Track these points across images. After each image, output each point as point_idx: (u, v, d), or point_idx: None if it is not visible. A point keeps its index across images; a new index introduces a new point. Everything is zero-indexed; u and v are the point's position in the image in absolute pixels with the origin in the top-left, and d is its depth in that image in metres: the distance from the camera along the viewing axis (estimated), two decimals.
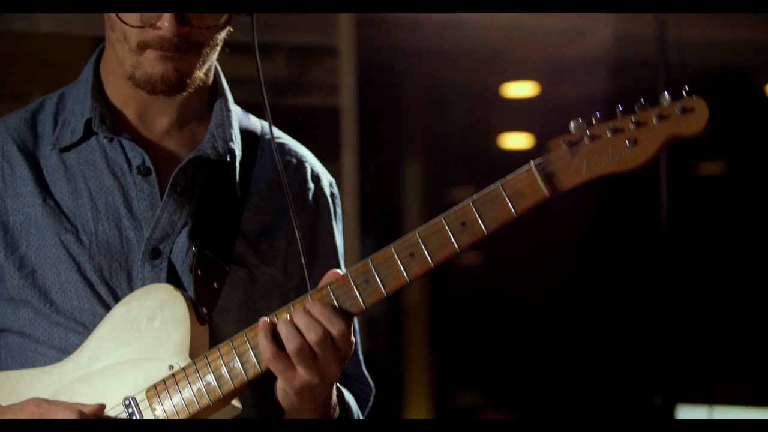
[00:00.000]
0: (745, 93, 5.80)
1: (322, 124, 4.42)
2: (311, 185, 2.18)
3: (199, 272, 1.98)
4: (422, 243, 1.83)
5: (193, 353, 1.92)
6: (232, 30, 2.03)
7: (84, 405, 1.86)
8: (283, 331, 1.83)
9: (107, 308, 1.97)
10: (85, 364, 1.95)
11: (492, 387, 5.96)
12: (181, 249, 2.00)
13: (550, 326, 5.75)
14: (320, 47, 4.47)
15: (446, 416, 5.72)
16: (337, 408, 2.01)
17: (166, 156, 2.06)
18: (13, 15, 3.89)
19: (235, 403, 1.93)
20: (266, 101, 2.03)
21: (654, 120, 1.77)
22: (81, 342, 1.96)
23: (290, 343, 1.82)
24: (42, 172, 2.04)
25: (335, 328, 1.83)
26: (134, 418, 1.90)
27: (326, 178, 2.22)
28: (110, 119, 2.04)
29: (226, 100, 2.12)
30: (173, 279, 2.00)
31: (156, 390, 1.91)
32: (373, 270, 1.84)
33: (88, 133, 2.04)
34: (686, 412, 4.87)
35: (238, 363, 1.88)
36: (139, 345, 1.94)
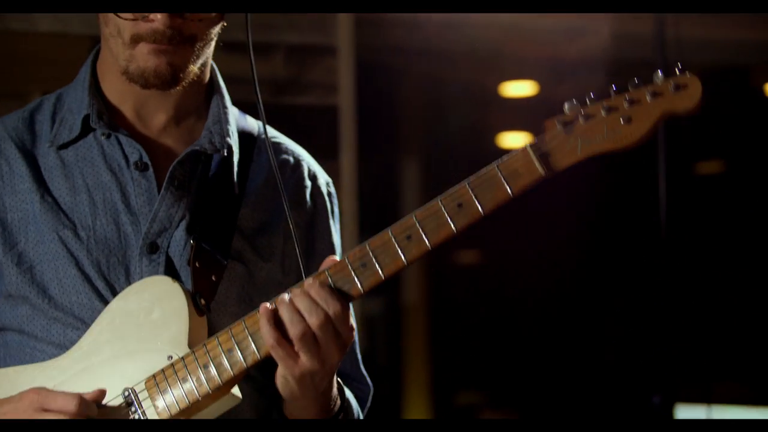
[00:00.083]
0: (744, 92, 5.81)
1: (321, 124, 4.42)
2: (308, 183, 2.19)
3: (197, 264, 1.99)
4: (419, 225, 1.84)
5: (192, 344, 1.93)
6: (225, 24, 2.04)
7: (84, 393, 1.87)
8: (286, 315, 1.83)
9: (105, 303, 1.98)
10: (84, 357, 1.96)
11: (491, 386, 5.96)
12: (178, 243, 2.01)
13: (549, 325, 5.75)
14: (319, 47, 4.47)
15: (445, 416, 5.72)
16: (338, 401, 2.01)
17: (163, 152, 2.07)
18: (11, 14, 3.88)
19: (235, 392, 1.93)
20: (260, 99, 2.04)
21: (648, 97, 1.80)
22: (79, 338, 1.97)
23: (294, 328, 1.83)
24: (40, 170, 2.06)
25: (331, 308, 1.83)
26: (133, 409, 1.91)
27: (323, 177, 2.23)
28: (107, 116, 2.06)
29: (222, 97, 2.13)
30: (171, 273, 2.01)
31: (155, 380, 1.91)
32: (371, 254, 1.85)
33: (86, 130, 2.06)
34: (685, 412, 4.87)
35: (237, 351, 1.89)
36: (138, 337, 1.95)
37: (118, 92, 2.08)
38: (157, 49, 1.96)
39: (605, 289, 5.80)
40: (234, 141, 2.11)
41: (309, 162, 2.22)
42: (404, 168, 5.68)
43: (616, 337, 5.79)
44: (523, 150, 1.83)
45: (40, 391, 1.87)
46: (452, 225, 1.84)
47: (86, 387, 1.91)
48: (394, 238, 1.85)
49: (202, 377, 1.90)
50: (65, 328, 1.99)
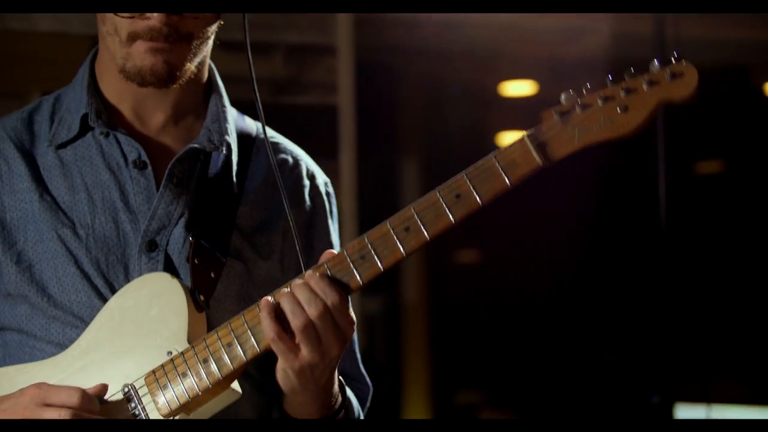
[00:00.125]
0: (744, 92, 5.81)
1: (321, 123, 4.42)
2: (306, 182, 2.19)
3: (196, 261, 1.99)
4: (417, 217, 1.85)
5: (192, 340, 1.93)
6: (222, 23, 2.05)
7: (87, 388, 1.88)
8: (287, 306, 1.84)
9: (104, 301, 1.98)
10: (83, 355, 1.96)
11: (491, 386, 5.96)
12: (177, 240, 2.02)
13: (548, 325, 5.75)
14: (318, 46, 4.47)
15: (445, 415, 5.72)
16: (339, 398, 2.01)
17: (161, 150, 2.08)
18: (11, 14, 3.88)
19: (235, 387, 1.94)
20: (258, 98, 2.04)
21: (644, 86, 1.81)
22: (78, 336, 1.98)
23: (296, 319, 1.83)
24: (38, 169, 2.07)
25: (329, 298, 1.84)
26: (133, 405, 1.91)
27: (321, 177, 2.24)
28: (106, 114, 2.06)
29: (221, 96, 2.14)
30: (170, 271, 2.02)
31: (155, 376, 1.92)
32: (370, 246, 1.86)
33: (84, 129, 2.07)
34: (685, 411, 4.87)
35: (236, 345, 1.89)
36: (137, 333, 1.95)
37: (116, 91, 2.09)
38: (153, 48, 1.96)
39: (605, 288, 5.80)
40: (233, 140, 2.12)
41: (307, 162, 2.23)
42: (404, 168, 5.69)
43: (616, 336, 5.79)
44: (521, 140, 1.84)
45: (42, 386, 1.87)
46: (450, 216, 1.85)
47: (86, 384, 1.91)
48: (393, 230, 1.86)
49: (202, 372, 1.90)
50: (64, 327, 2.00)
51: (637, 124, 1.81)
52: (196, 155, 2.08)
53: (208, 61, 2.13)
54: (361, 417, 2.17)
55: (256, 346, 1.89)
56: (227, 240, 2.05)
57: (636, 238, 5.43)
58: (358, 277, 1.87)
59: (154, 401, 1.91)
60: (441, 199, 1.85)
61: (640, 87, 1.81)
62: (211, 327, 1.97)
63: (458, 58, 5.57)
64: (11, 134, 2.10)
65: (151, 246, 2.02)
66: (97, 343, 1.96)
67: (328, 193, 2.24)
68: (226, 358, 1.90)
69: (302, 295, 1.84)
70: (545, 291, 5.68)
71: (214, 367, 1.90)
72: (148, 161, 2.05)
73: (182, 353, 1.92)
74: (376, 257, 1.86)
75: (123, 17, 1.96)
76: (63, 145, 2.07)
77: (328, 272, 1.87)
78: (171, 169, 2.04)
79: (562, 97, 1.84)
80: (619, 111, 1.81)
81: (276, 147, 2.19)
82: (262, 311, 1.86)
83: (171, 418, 1.91)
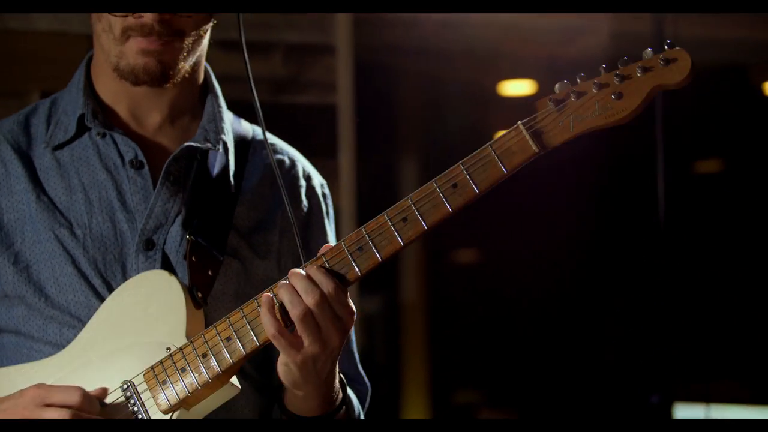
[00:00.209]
0: (743, 91, 5.80)
1: (320, 123, 4.42)
2: (303, 183, 2.21)
3: (193, 259, 2.00)
4: (414, 207, 1.86)
5: (190, 336, 1.94)
6: (215, 22, 2.05)
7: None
8: (286, 297, 1.85)
9: (102, 300, 1.99)
10: (82, 353, 1.96)
11: (490, 385, 5.96)
12: (174, 239, 2.03)
13: (547, 324, 5.74)
14: (317, 45, 4.47)
15: (443, 414, 5.72)
16: (340, 393, 2.01)
17: (158, 150, 2.09)
18: (10, 14, 3.88)
19: (234, 382, 1.94)
20: (255, 95, 2.05)
21: (638, 72, 1.83)
22: (76, 336, 1.98)
23: (295, 309, 1.84)
24: (35, 171, 2.08)
25: (326, 287, 1.85)
26: (132, 401, 1.91)
27: (317, 179, 2.25)
28: (102, 115, 2.07)
29: (217, 97, 2.16)
30: (167, 269, 2.04)
31: (154, 372, 1.92)
32: (367, 237, 1.87)
33: (81, 130, 2.08)
34: (683, 411, 4.87)
35: (236, 339, 1.90)
36: (136, 331, 1.96)
37: (112, 93, 2.10)
38: (146, 49, 1.98)
39: (604, 288, 5.80)
40: (229, 139, 2.13)
41: (304, 163, 2.25)
42: (403, 167, 5.69)
43: (615, 336, 5.79)
44: (516, 128, 1.85)
45: (42, 386, 1.88)
46: (447, 205, 1.86)
47: (85, 382, 1.91)
48: (390, 221, 1.87)
49: (201, 367, 1.90)
50: (61, 327, 2.00)
51: (631, 110, 1.83)
52: (193, 154, 2.08)
53: (204, 62, 2.14)
54: (361, 417, 2.17)
55: (255, 339, 1.89)
56: (224, 239, 2.05)
57: (635, 237, 5.43)
58: (356, 269, 1.87)
59: (153, 397, 1.92)
60: (438, 189, 1.86)
61: (633, 73, 1.82)
62: (208, 325, 1.98)
63: (457, 57, 5.57)
64: (8, 137, 2.11)
65: (149, 245, 2.02)
66: (95, 341, 1.97)
67: (324, 195, 2.25)
68: (225, 352, 1.90)
69: (300, 285, 1.85)
70: (544, 291, 5.67)
71: (213, 361, 1.90)
72: (144, 161, 2.06)
73: (181, 349, 1.92)
74: (374, 248, 1.87)
75: (117, 15, 1.97)
76: (60, 147, 2.09)
77: (326, 264, 1.88)
78: (167, 167, 2.04)
79: (557, 86, 1.86)
80: (613, 98, 1.82)
81: (273, 148, 2.21)
82: (262, 307, 1.86)
83: (170, 413, 1.91)
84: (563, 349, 5.77)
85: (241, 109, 2.24)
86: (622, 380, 5.68)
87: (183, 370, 1.91)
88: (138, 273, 2.01)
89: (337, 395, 2.01)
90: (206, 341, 1.91)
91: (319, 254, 1.90)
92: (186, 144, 2.07)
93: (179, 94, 2.10)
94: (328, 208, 2.25)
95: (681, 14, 4.47)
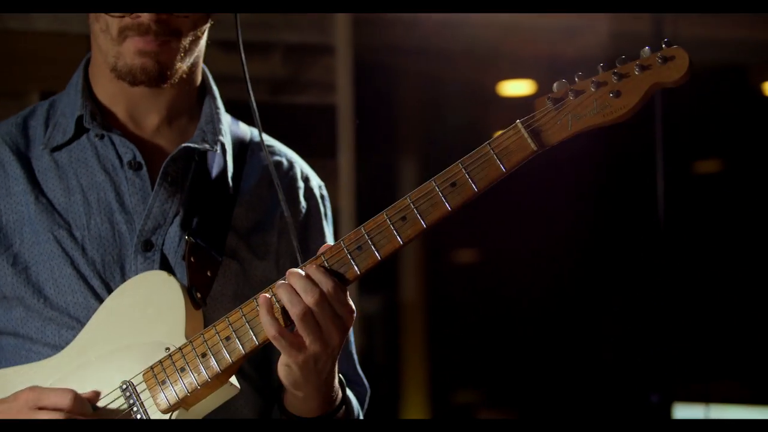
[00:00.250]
0: (743, 91, 5.80)
1: (319, 123, 4.42)
2: (301, 184, 2.21)
3: (192, 259, 2.00)
4: (413, 206, 1.86)
5: (189, 336, 1.94)
6: (212, 22, 2.06)
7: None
8: (285, 296, 1.85)
9: (101, 301, 1.99)
10: (81, 354, 1.97)
11: (489, 385, 5.96)
12: (173, 239, 2.03)
13: (547, 324, 5.75)
14: (317, 45, 4.47)
15: (443, 414, 5.72)
16: (340, 393, 2.02)
17: (156, 151, 2.10)
18: (10, 14, 3.88)
19: (233, 381, 1.94)
20: (251, 95, 2.06)
21: (636, 71, 1.83)
22: (74, 337, 1.98)
23: (294, 308, 1.84)
24: (34, 172, 2.08)
25: (325, 286, 1.85)
26: (132, 401, 1.92)
27: (315, 180, 2.26)
28: (101, 116, 2.07)
29: (214, 98, 2.16)
30: (166, 270, 2.03)
31: (153, 372, 1.92)
32: (366, 236, 1.87)
33: (79, 131, 2.09)
34: (683, 411, 4.87)
35: (235, 338, 1.90)
36: (135, 331, 1.96)
37: (110, 94, 2.10)
38: (143, 50, 1.98)
39: (603, 287, 5.80)
40: (227, 141, 2.13)
41: (302, 165, 2.26)
42: (402, 167, 5.69)
43: (614, 335, 5.79)
44: (514, 127, 1.86)
45: (35, 389, 1.88)
46: (446, 204, 1.86)
47: (84, 382, 1.92)
48: (389, 220, 1.87)
49: (201, 366, 1.90)
50: (60, 329, 2.00)
51: (629, 108, 1.83)
52: (191, 155, 2.09)
53: (202, 63, 2.14)
54: (361, 418, 2.17)
55: (254, 339, 1.89)
56: (223, 239, 2.06)
57: (634, 237, 5.43)
58: (355, 268, 1.88)
59: (152, 397, 1.92)
60: (437, 188, 1.86)
61: (631, 72, 1.83)
62: (207, 324, 1.98)
63: (457, 57, 5.57)
64: (6, 138, 2.12)
65: (147, 246, 2.03)
66: (94, 342, 1.97)
67: (322, 196, 2.25)
68: (224, 352, 1.90)
69: (299, 284, 1.85)
70: (543, 290, 5.67)
71: (212, 361, 1.90)
72: (143, 162, 2.06)
73: (180, 349, 1.92)
74: (373, 247, 1.87)
75: (114, 15, 1.98)
76: (58, 148, 2.09)
77: (325, 263, 1.88)
78: (165, 167, 2.05)
79: (555, 85, 1.87)
80: (611, 96, 1.83)
81: (270, 150, 2.21)
82: (261, 308, 1.86)
83: (170, 413, 1.91)
84: (563, 348, 5.77)
85: (241, 110, 2.24)
86: (621, 380, 5.68)
87: (182, 369, 1.92)
88: (137, 274, 2.01)
89: (337, 395, 2.01)
90: (205, 341, 1.92)
91: (318, 253, 1.90)
92: (184, 145, 2.08)
93: (177, 96, 2.10)
94: (326, 209, 2.26)
95: (681, 14, 4.47)
